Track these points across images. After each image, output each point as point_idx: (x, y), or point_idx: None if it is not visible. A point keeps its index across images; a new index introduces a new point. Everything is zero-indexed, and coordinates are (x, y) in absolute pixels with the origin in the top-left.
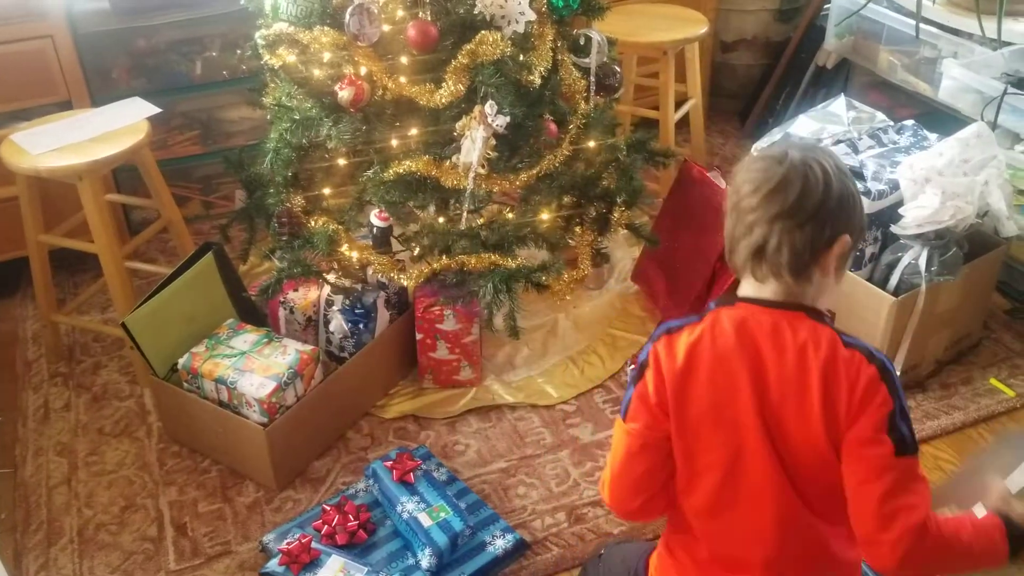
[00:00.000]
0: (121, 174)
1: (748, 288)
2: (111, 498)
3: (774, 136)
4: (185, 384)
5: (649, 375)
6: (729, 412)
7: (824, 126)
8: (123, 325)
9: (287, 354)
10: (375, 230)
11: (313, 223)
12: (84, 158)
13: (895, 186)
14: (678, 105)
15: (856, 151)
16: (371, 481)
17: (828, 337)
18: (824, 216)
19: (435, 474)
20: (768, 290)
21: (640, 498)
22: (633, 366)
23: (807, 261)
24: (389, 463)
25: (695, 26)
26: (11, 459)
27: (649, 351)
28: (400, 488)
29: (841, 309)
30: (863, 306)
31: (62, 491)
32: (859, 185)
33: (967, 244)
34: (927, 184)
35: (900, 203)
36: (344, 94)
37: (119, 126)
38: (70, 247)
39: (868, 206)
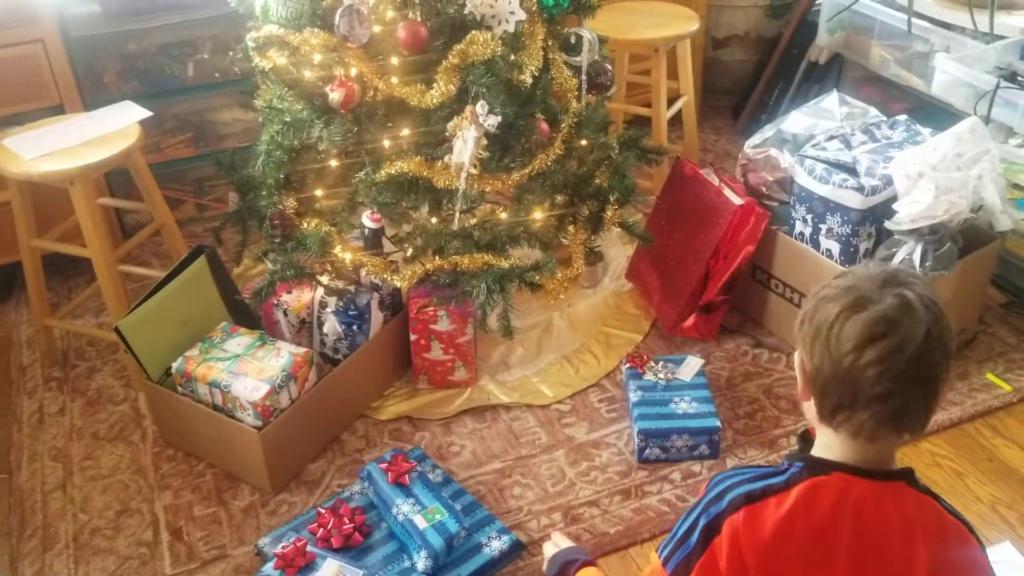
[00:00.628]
0: (113, 177)
1: (837, 449)
2: (106, 503)
3: (767, 133)
4: (179, 388)
5: (721, 547)
6: None
7: (817, 122)
8: (116, 330)
9: (281, 356)
10: (367, 231)
11: (306, 225)
12: (76, 162)
13: (888, 181)
14: (670, 102)
15: (849, 146)
16: (366, 483)
17: (933, 509)
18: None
19: (430, 476)
20: (860, 450)
21: None
22: (629, 365)
23: None
24: (384, 465)
25: (687, 23)
26: (6, 464)
27: (725, 522)
28: (395, 490)
29: None
30: None
31: (57, 496)
32: (852, 181)
33: (961, 239)
34: (921, 179)
35: (894, 198)
36: (335, 96)
37: (111, 130)
38: (63, 252)
39: (861, 202)
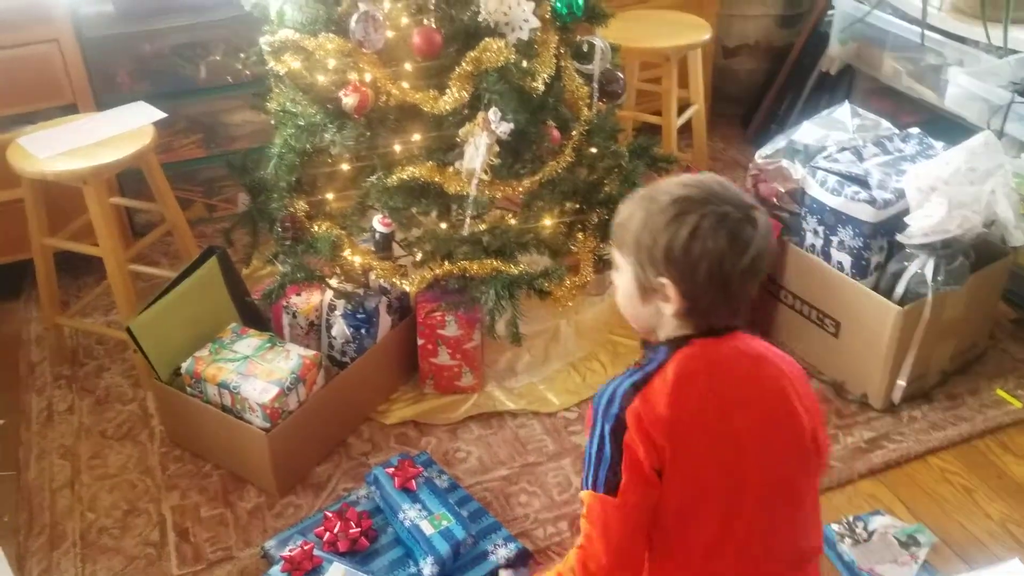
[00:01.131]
0: (125, 177)
1: (688, 328)
2: (114, 502)
3: (778, 143)
4: (188, 388)
5: (633, 438)
6: (728, 440)
7: (828, 133)
8: (127, 329)
9: (289, 359)
10: (378, 235)
11: (316, 228)
12: (90, 162)
13: (901, 195)
14: (680, 110)
15: (861, 159)
16: (372, 487)
17: (760, 339)
18: None
19: (437, 481)
20: (705, 324)
21: (642, 563)
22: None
23: None
24: (391, 470)
25: (698, 32)
26: (15, 462)
27: (624, 415)
28: (402, 495)
29: (846, 318)
30: (868, 315)
31: (65, 494)
32: (864, 193)
33: (973, 253)
34: (933, 193)
35: (906, 212)
36: (348, 100)
37: (125, 130)
38: (75, 250)
39: (873, 215)
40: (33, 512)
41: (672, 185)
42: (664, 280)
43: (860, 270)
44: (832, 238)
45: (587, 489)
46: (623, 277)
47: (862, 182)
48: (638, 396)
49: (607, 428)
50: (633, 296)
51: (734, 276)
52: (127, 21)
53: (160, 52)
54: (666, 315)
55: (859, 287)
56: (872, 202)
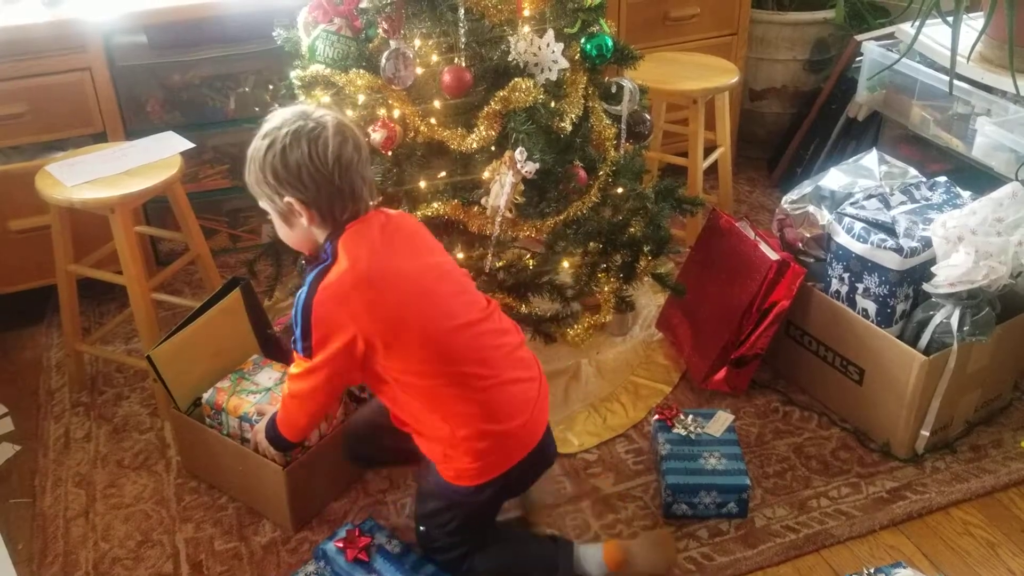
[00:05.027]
0: (150, 205)
1: (332, 223)
2: (128, 532)
3: (804, 189)
4: (207, 419)
5: (331, 319)
6: (405, 274)
7: (856, 180)
8: (148, 358)
9: None
10: None
11: None
12: (117, 191)
13: (927, 243)
14: (706, 153)
15: (888, 206)
16: (321, 563)
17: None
18: None
19: (388, 547)
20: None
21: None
22: (657, 417)
23: None
24: (339, 542)
25: (726, 75)
26: (30, 489)
27: (312, 306)
28: (355, 567)
29: (870, 366)
30: (893, 363)
31: (79, 523)
32: (891, 241)
33: (1000, 304)
34: (960, 243)
35: (932, 261)
36: (377, 136)
37: (153, 160)
38: (99, 278)
39: (900, 263)
40: (47, 540)
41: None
42: (288, 199)
43: (885, 318)
44: (858, 285)
45: (295, 351)
46: (272, 217)
47: (889, 230)
48: (323, 284)
49: (301, 315)
50: (282, 227)
51: (332, 172)
52: (159, 52)
53: (190, 83)
54: (310, 227)
55: (884, 335)
56: (899, 250)
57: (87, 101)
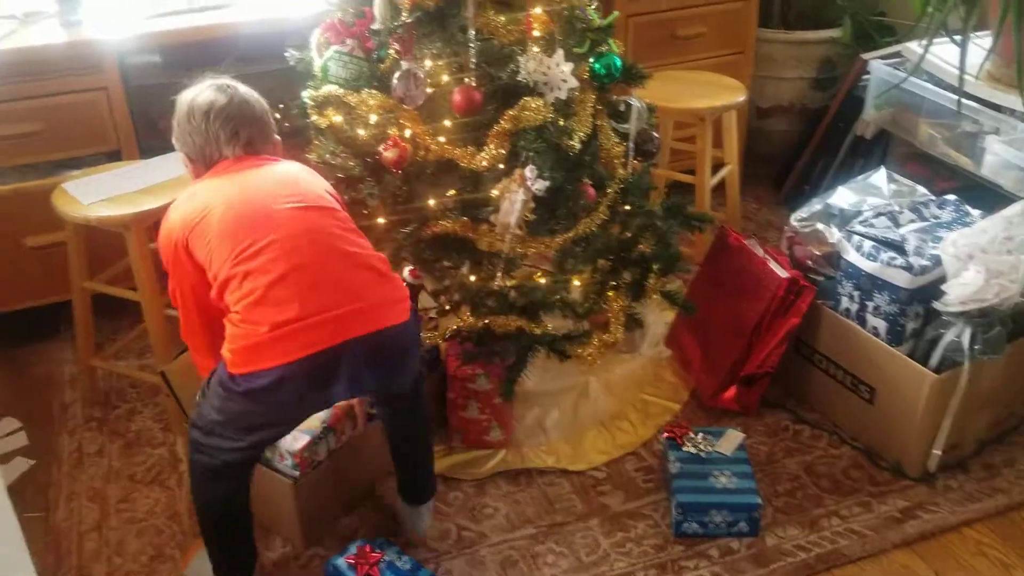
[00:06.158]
0: None
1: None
2: (140, 547)
3: (813, 207)
4: None
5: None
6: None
7: (864, 198)
8: (162, 374)
9: None
10: (409, 287)
11: None
12: (132, 209)
13: (937, 261)
14: (714, 170)
15: (897, 224)
16: None
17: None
18: None
19: (398, 564)
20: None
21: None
22: (667, 435)
23: None
24: (350, 558)
25: (733, 94)
26: (44, 503)
27: (175, 241)
28: None
29: (881, 384)
30: (904, 382)
31: (93, 537)
32: (901, 259)
33: (1011, 322)
34: (970, 261)
35: (943, 279)
36: (389, 155)
37: (166, 178)
38: (113, 294)
39: (910, 281)
40: (61, 555)
41: None
42: (180, 154)
43: (896, 336)
44: (867, 303)
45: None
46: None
47: (898, 248)
48: (170, 215)
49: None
50: (190, 178)
51: (207, 128)
52: (173, 71)
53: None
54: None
55: (894, 353)
56: (908, 268)
57: (102, 120)
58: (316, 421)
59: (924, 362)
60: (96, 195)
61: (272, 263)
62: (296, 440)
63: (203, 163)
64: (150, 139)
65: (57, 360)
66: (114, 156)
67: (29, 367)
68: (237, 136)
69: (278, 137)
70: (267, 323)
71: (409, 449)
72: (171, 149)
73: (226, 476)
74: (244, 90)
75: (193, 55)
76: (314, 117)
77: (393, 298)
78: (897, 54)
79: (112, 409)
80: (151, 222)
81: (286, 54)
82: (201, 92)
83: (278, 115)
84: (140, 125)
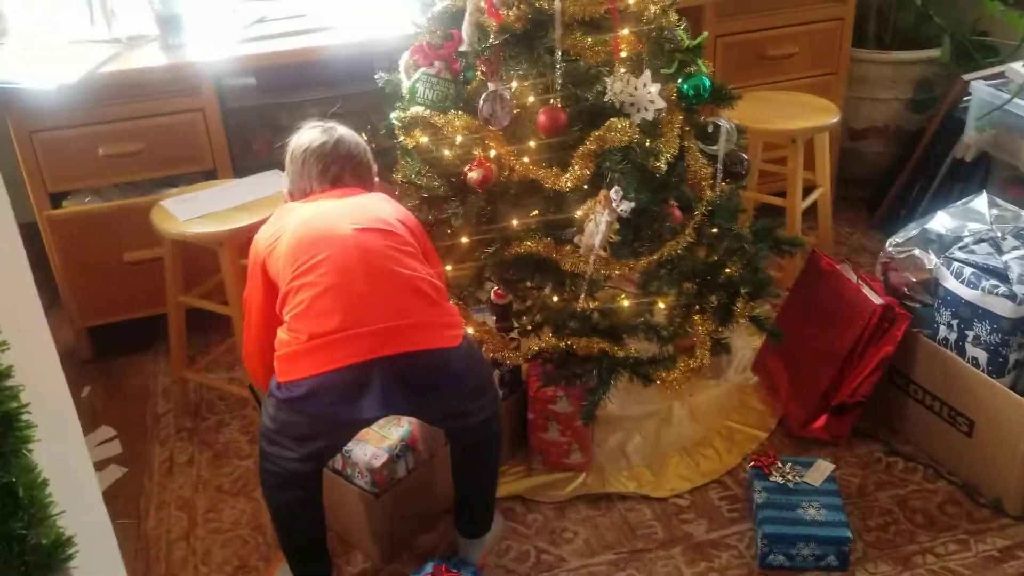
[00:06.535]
0: None
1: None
2: (226, 557)
3: (910, 231)
4: None
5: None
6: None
7: (965, 223)
8: (249, 387)
9: (400, 426)
10: (494, 307)
11: None
12: (226, 226)
13: None
14: (805, 193)
15: (1000, 251)
16: None
17: None
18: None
19: None
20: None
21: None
22: (753, 464)
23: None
24: None
25: (825, 115)
26: (136, 510)
27: (261, 260)
28: None
29: (981, 417)
30: (1005, 415)
31: (181, 546)
32: (1003, 287)
33: None
34: None
35: None
36: (474, 175)
37: (259, 196)
38: (206, 308)
39: (1013, 310)
40: (150, 562)
41: None
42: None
43: (997, 368)
44: (967, 332)
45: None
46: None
47: (1001, 275)
48: (258, 234)
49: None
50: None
51: (303, 165)
52: (267, 93)
53: (295, 123)
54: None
55: (996, 385)
56: (1012, 297)
57: (199, 140)
58: (395, 439)
59: None
60: (192, 212)
61: (322, 277)
62: (375, 457)
63: (299, 196)
64: (244, 159)
65: (150, 372)
66: (210, 175)
67: (124, 378)
68: (327, 171)
69: (376, 177)
70: (307, 332)
71: (468, 484)
72: (264, 168)
73: (291, 485)
74: (343, 131)
75: (286, 78)
76: (401, 138)
77: (439, 322)
78: (1000, 74)
79: (202, 420)
80: (243, 239)
81: (376, 76)
82: (304, 133)
83: (365, 135)
84: (235, 145)
